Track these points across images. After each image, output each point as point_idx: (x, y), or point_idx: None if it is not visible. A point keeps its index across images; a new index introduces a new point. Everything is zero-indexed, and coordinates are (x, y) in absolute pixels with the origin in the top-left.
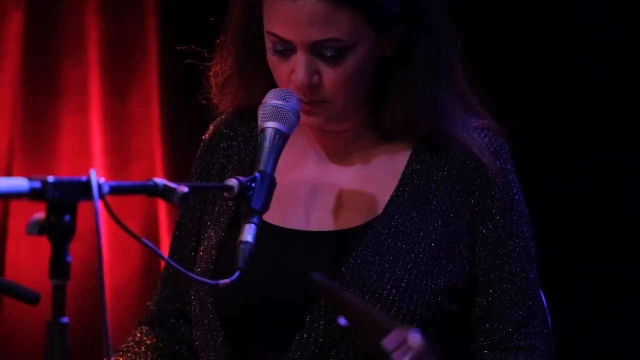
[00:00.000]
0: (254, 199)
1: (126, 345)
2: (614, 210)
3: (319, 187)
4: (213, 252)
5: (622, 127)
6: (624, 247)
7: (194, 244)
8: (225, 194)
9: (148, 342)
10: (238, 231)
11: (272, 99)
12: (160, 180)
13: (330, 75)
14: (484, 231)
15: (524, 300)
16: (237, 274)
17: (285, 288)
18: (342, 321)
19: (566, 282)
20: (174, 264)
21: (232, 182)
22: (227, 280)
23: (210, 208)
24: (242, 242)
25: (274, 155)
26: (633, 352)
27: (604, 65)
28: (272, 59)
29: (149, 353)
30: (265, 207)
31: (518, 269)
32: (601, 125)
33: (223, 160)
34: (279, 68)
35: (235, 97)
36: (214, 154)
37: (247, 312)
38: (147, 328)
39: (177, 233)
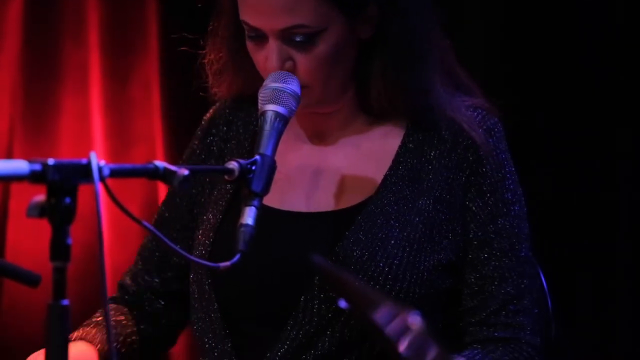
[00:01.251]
0: (254, 181)
1: (96, 318)
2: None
3: (314, 169)
4: (210, 235)
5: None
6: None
7: (186, 223)
8: (226, 177)
9: (117, 318)
10: (236, 214)
11: (271, 82)
12: (160, 163)
13: (302, 61)
14: (474, 208)
15: (512, 277)
16: (237, 257)
17: (280, 269)
18: (342, 303)
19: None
20: (174, 246)
21: (233, 164)
22: (227, 263)
23: (208, 191)
24: (242, 224)
25: (274, 138)
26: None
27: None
28: (249, 45)
29: (119, 330)
30: (266, 189)
31: (507, 247)
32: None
33: (222, 144)
34: (256, 55)
35: (231, 84)
36: (213, 136)
37: (244, 293)
38: (115, 305)
39: (167, 215)
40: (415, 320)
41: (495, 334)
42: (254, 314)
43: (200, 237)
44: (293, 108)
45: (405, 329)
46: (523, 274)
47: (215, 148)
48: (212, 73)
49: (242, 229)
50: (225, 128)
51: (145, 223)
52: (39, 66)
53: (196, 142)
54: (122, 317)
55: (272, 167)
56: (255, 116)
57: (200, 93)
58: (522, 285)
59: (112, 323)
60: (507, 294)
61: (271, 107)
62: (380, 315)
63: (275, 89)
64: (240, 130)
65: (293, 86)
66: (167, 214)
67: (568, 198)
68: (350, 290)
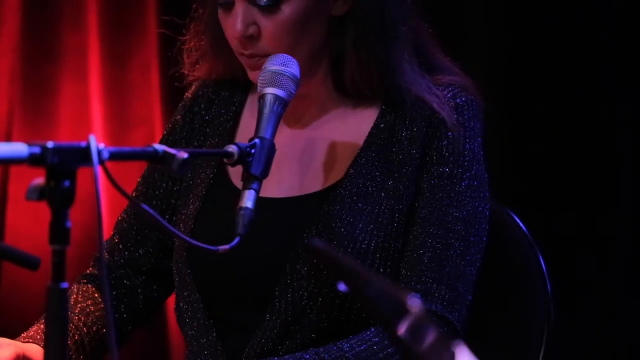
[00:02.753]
0: (254, 164)
1: None
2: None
3: (286, 152)
4: (190, 223)
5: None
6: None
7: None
8: (225, 160)
9: (82, 304)
10: (214, 201)
11: (271, 65)
12: (159, 146)
13: (266, 26)
14: (423, 178)
15: (433, 246)
16: (236, 240)
17: (256, 257)
18: (341, 286)
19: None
20: (175, 231)
21: (232, 148)
22: (226, 246)
23: (190, 174)
24: (241, 207)
25: (273, 121)
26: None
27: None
28: (220, 14)
29: (82, 318)
30: (265, 172)
31: (434, 218)
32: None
33: (204, 124)
34: (225, 23)
35: (211, 70)
36: (195, 115)
37: (223, 282)
38: (85, 286)
39: (144, 190)
40: (414, 303)
41: None
42: (236, 303)
43: (181, 224)
44: (292, 91)
45: (404, 312)
46: (449, 246)
47: (197, 127)
48: (190, 61)
49: (242, 212)
50: (207, 107)
51: (145, 206)
52: (37, 49)
53: (177, 118)
54: (90, 302)
55: (271, 151)
56: (237, 97)
57: (175, 83)
58: (444, 256)
59: (76, 311)
60: (422, 261)
61: (270, 90)
62: (379, 297)
63: (275, 72)
64: (222, 111)
65: (292, 69)
66: (144, 189)
67: (567, 181)
68: (348, 273)
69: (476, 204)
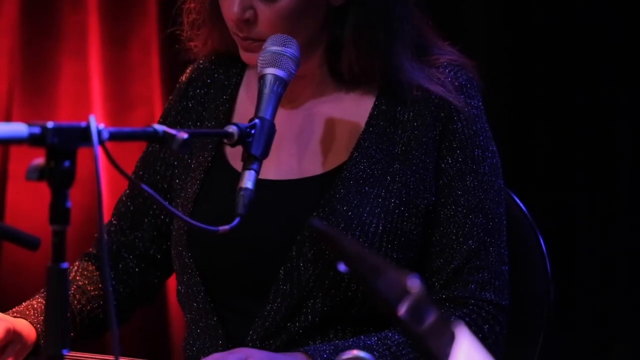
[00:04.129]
0: (254, 145)
1: None
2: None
3: (284, 133)
4: (189, 206)
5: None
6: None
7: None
8: (225, 140)
9: (80, 283)
10: (213, 184)
11: (271, 45)
12: (159, 127)
13: (263, 12)
14: (443, 165)
15: (476, 234)
16: (236, 220)
17: (256, 240)
18: (342, 267)
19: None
20: (176, 212)
21: (232, 128)
22: (226, 227)
23: (187, 157)
24: (241, 188)
25: (273, 102)
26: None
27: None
28: None
29: (77, 296)
30: (265, 153)
31: (473, 204)
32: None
33: (199, 107)
34: (222, 3)
35: (207, 39)
36: (190, 99)
37: (225, 266)
38: (85, 264)
39: (141, 174)
40: (414, 284)
41: (455, 292)
42: (237, 286)
43: (180, 208)
44: (292, 72)
45: (404, 293)
46: (489, 231)
47: (192, 110)
48: (189, 23)
49: (242, 192)
50: (202, 90)
51: (145, 187)
52: (37, 29)
53: (172, 102)
54: (87, 281)
55: (271, 131)
56: (233, 79)
57: (176, 46)
58: (488, 243)
59: (73, 288)
60: (470, 250)
61: (270, 71)
62: (380, 278)
63: (275, 52)
64: (218, 93)
65: (292, 49)
66: (141, 172)
67: (567, 161)
68: (349, 254)
69: (499, 181)
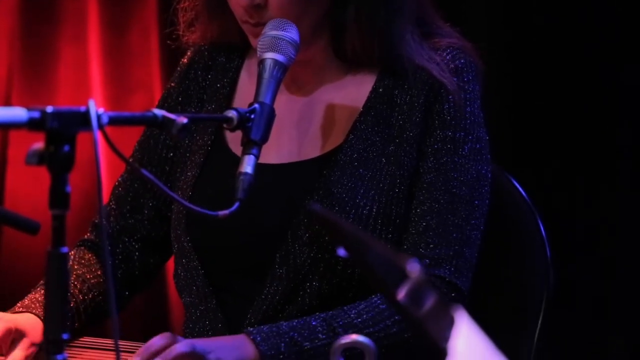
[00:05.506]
0: (253, 130)
1: None
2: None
3: (285, 118)
4: (188, 190)
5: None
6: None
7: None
8: (224, 125)
9: (79, 272)
10: (212, 168)
11: (271, 29)
12: (159, 111)
13: None
14: (424, 146)
15: (439, 211)
16: (236, 205)
17: (255, 223)
18: (341, 251)
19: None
20: (175, 196)
21: (231, 113)
22: (226, 211)
23: (187, 140)
24: (241, 172)
25: (273, 86)
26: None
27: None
28: None
29: (77, 285)
30: (265, 138)
31: (439, 183)
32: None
33: (200, 91)
34: None
35: (205, 32)
36: (191, 81)
37: (223, 249)
38: (82, 252)
39: (140, 156)
40: (413, 268)
41: None
42: (235, 270)
43: (180, 192)
44: (292, 56)
45: (403, 277)
46: (455, 210)
47: (193, 93)
48: (184, 21)
49: (241, 177)
50: (203, 73)
51: (144, 171)
52: (37, 14)
53: (173, 85)
54: (86, 269)
55: (271, 116)
56: (234, 62)
57: (168, 41)
58: (450, 221)
59: (72, 278)
60: (429, 226)
61: (270, 55)
62: (379, 262)
63: (274, 36)
64: (219, 77)
65: (292, 34)
66: (139, 155)
67: (568, 146)
68: (348, 238)
69: (479, 167)
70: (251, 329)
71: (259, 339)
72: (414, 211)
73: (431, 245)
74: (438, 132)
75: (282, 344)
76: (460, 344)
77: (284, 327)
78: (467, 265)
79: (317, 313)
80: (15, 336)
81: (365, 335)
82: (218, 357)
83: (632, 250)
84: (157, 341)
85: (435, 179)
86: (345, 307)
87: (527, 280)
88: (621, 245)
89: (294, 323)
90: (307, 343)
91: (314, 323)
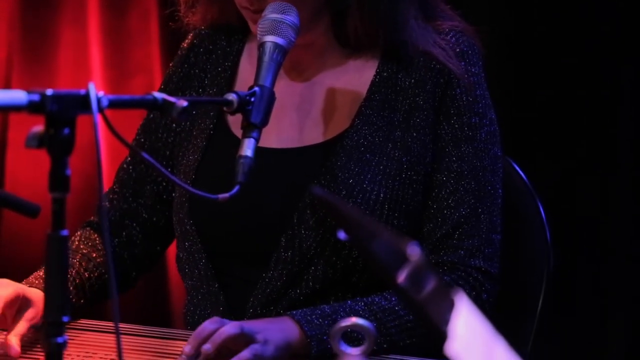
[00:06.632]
0: (253, 113)
1: None
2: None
3: (286, 102)
4: (191, 173)
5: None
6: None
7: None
8: (224, 108)
9: (84, 251)
10: (214, 151)
11: (271, 12)
12: (159, 94)
13: None
14: (439, 131)
15: (468, 200)
16: (236, 188)
17: (258, 207)
18: (342, 235)
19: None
20: (176, 180)
21: (231, 96)
22: (225, 195)
23: (188, 124)
24: (241, 156)
25: (273, 69)
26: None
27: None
28: None
29: (83, 264)
30: (265, 121)
31: (467, 171)
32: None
33: (201, 74)
34: None
35: (206, 13)
36: (192, 65)
37: (226, 232)
38: (87, 232)
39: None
40: (414, 251)
41: (444, 257)
42: (238, 253)
43: (182, 176)
44: (292, 39)
45: (404, 260)
46: (481, 198)
47: (194, 77)
48: (185, 2)
49: (241, 160)
50: (204, 57)
51: (145, 155)
52: None
53: (173, 69)
54: (92, 249)
55: (270, 99)
56: (235, 46)
57: (169, 23)
58: (479, 210)
59: (78, 257)
60: (461, 216)
61: (270, 39)
62: (379, 245)
63: (274, 19)
64: (220, 61)
65: (292, 17)
66: (142, 139)
67: (568, 129)
68: (349, 221)
69: (495, 149)
70: (294, 311)
71: (303, 321)
72: (442, 202)
73: (464, 237)
74: (455, 119)
75: (326, 325)
76: (460, 327)
77: (326, 309)
78: (495, 252)
79: (319, 298)
80: (22, 303)
81: (406, 322)
82: (265, 338)
83: (632, 234)
84: (207, 326)
85: (460, 167)
86: (385, 293)
87: (527, 264)
88: (622, 229)
89: (336, 306)
90: None
91: (356, 307)
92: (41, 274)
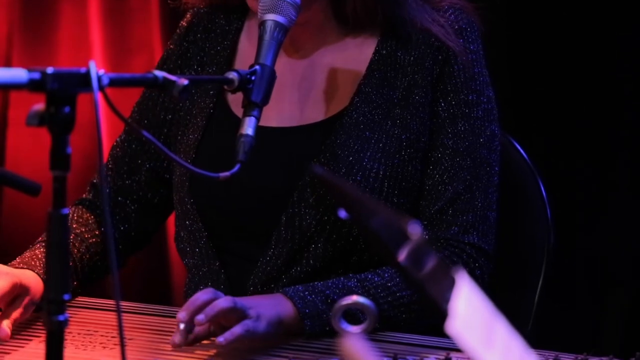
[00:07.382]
0: (254, 91)
1: None
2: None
3: (286, 81)
4: (191, 152)
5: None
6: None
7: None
8: (225, 87)
9: (77, 231)
10: (214, 130)
11: None
12: (159, 73)
13: None
14: (436, 108)
15: (464, 177)
16: (237, 167)
17: (258, 186)
18: (342, 213)
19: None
20: (177, 158)
21: (232, 74)
22: (226, 173)
23: (188, 103)
24: (241, 134)
25: (274, 48)
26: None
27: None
28: None
29: (76, 244)
30: (265, 99)
31: (462, 148)
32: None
33: (200, 53)
34: None
35: None
36: (190, 43)
37: (226, 211)
38: (80, 211)
39: (138, 118)
40: (414, 230)
41: (438, 233)
42: (239, 232)
43: (182, 155)
44: (293, 17)
45: (404, 238)
46: (477, 175)
47: (192, 55)
48: None
49: (242, 139)
50: (203, 36)
51: (145, 133)
52: None
53: (172, 47)
54: (84, 229)
55: (271, 78)
56: (234, 25)
57: (169, 1)
58: (474, 187)
59: (71, 237)
60: (456, 192)
61: (271, 17)
62: (380, 224)
63: None
64: (219, 39)
65: None
66: (138, 117)
67: (568, 107)
68: (349, 200)
69: (493, 127)
70: (287, 288)
71: (295, 297)
72: (437, 178)
73: (458, 213)
74: (452, 95)
75: (319, 302)
76: (460, 305)
77: (319, 286)
78: (490, 229)
79: (320, 276)
80: (19, 291)
81: (398, 298)
82: (258, 313)
83: (632, 212)
84: (201, 296)
85: (456, 144)
86: (378, 270)
87: (528, 241)
88: (622, 207)
89: (329, 283)
90: None
91: (349, 284)
92: (36, 252)
